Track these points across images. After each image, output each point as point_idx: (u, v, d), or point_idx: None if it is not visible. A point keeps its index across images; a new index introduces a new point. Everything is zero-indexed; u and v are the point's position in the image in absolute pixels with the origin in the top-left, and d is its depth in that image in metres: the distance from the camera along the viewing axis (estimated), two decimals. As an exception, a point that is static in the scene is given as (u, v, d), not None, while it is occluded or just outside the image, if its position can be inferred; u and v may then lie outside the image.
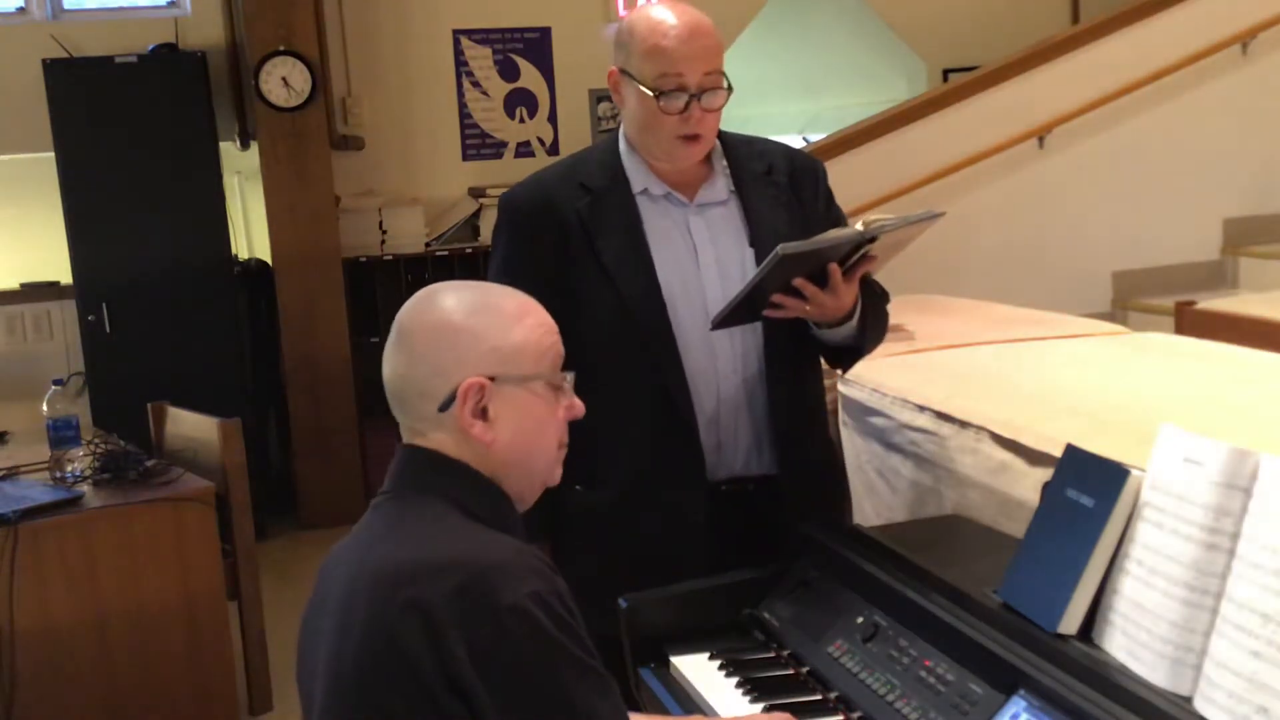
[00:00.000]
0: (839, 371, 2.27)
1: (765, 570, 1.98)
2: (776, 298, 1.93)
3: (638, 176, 2.08)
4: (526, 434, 1.43)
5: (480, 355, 1.39)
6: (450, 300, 1.43)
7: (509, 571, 1.28)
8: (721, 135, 2.11)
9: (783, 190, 2.12)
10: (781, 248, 1.83)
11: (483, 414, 1.39)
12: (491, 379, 1.39)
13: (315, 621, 1.41)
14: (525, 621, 1.25)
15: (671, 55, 1.96)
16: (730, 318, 1.97)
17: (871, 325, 2.06)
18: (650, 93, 1.98)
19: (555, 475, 1.49)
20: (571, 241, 2.05)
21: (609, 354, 2.02)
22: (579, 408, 1.49)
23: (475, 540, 1.34)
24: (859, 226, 1.92)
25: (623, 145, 2.11)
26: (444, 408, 1.39)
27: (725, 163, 2.12)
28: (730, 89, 2.02)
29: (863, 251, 1.92)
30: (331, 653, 1.33)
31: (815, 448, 2.20)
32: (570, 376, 1.47)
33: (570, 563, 2.15)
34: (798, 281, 1.91)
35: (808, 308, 1.94)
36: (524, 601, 1.26)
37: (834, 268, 1.91)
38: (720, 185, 2.11)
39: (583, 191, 2.07)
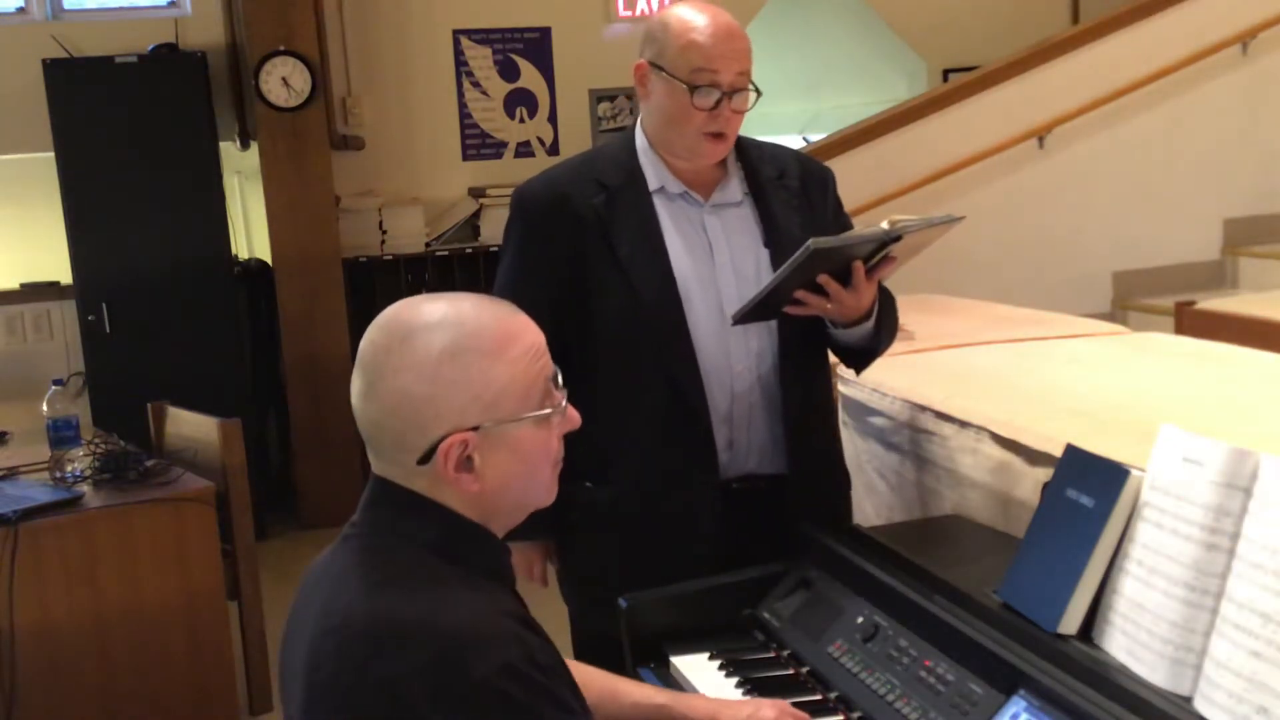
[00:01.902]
0: (852, 372, 2.28)
1: (765, 570, 1.98)
2: (799, 294, 1.94)
3: (654, 174, 2.09)
4: (518, 474, 1.32)
5: (461, 407, 1.26)
6: (421, 340, 1.27)
7: (479, 641, 1.19)
8: (735, 138, 2.11)
9: (795, 194, 2.13)
10: (813, 241, 1.84)
11: (468, 462, 1.28)
12: (475, 428, 1.27)
13: (292, 641, 1.35)
14: (498, 698, 1.18)
15: (708, 51, 1.98)
16: (752, 314, 1.97)
17: (886, 326, 2.07)
18: (684, 85, 1.99)
19: (550, 498, 1.39)
20: (586, 237, 2.06)
21: (622, 350, 2.03)
22: (575, 420, 1.37)
23: (446, 600, 1.24)
24: (884, 225, 1.93)
25: (640, 143, 2.12)
26: (423, 461, 1.27)
27: (739, 165, 2.13)
28: (759, 93, 2.03)
29: (885, 251, 1.93)
30: (304, 688, 1.27)
31: (826, 447, 2.21)
32: (564, 392, 1.35)
33: (577, 560, 2.16)
34: (822, 278, 1.92)
35: (829, 306, 1.95)
36: (495, 678, 1.18)
37: (858, 265, 1.92)
38: (735, 186, 2.11)
39: (598, 188, 2.07)
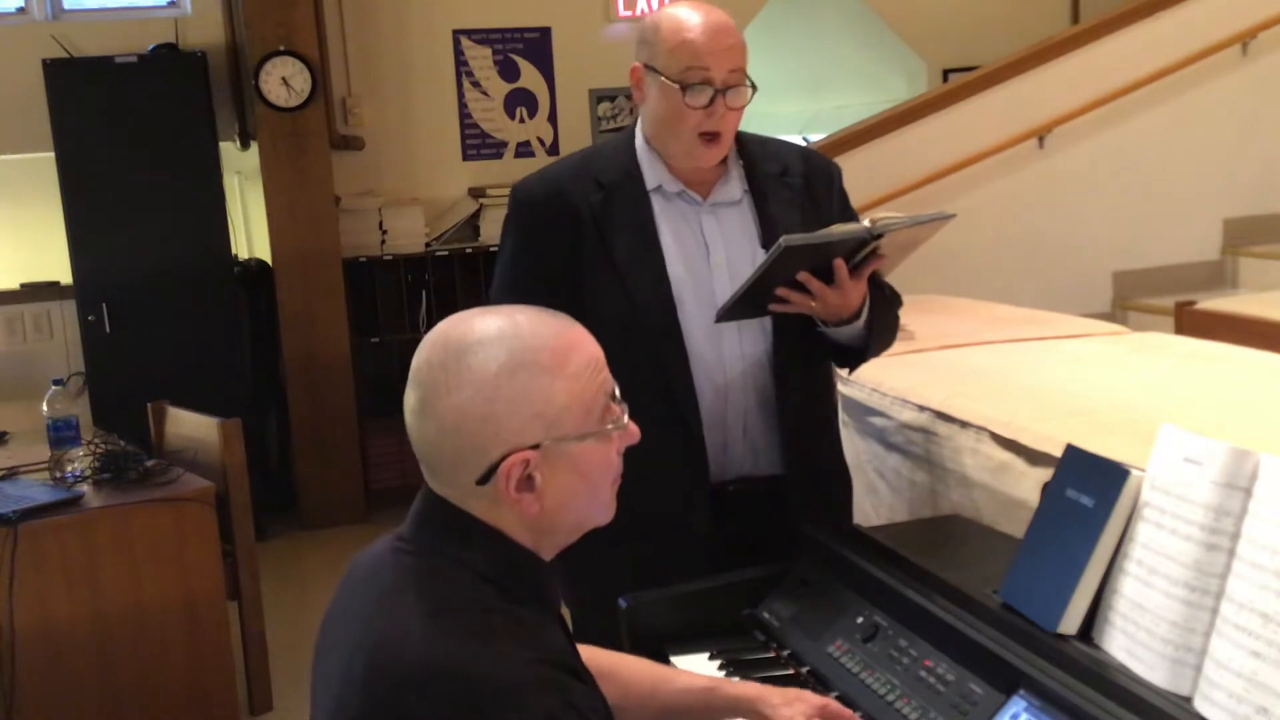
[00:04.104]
0: (845, 371, 2.27)
1: (765, 570, 1.98)
2: (781, 292, 1.93)
3: (652, 173, 2.08)
4: (579, 493, 1.28)
5: (522, 424, 1.22)
6: (478, 356, 1.22)
7: (516, 691, 1.15)
8: (736, 135, 2.10)
9: (797, 191, 2.12)
10: (785, 239, 1.83)
11: (528, 481, 1.24)
12: (536, 446, 1.23)
13: (329, 647, 1.32)
14: None
15: (699, 49, 1.97)
16: (734, 310, 1.96)
17: (880, 327, 2.05)
18: (676, 85, 1.98)
19: (609, 516, 1.34)
20: (582, 236, 2.05)
21: (615, 351, 2.02)
22: (634, 434, 1.33)
23: (489, 640, 1.19)
24: (866, 223, 1.92)
25: (639, 141, 2.11)
26: (483, 481, 1.23)
27: (740, 163, 2.12)
28: (754, 88, 2.02)
29: (870, 249, 1.91)
30: (334, 711, 1.25)
31: (825, 448, 2.20)
32: (624, 407, 1.32)
33: (576, 559, 2.15)
34: (802, 276, 1.90)
35: (813, 304, 1.94)
36: None
37: (839, 263, 1.90)
38: (734, 184, 2.10)
39: (596, 186, 2.07)
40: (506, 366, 1.22)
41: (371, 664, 1.19)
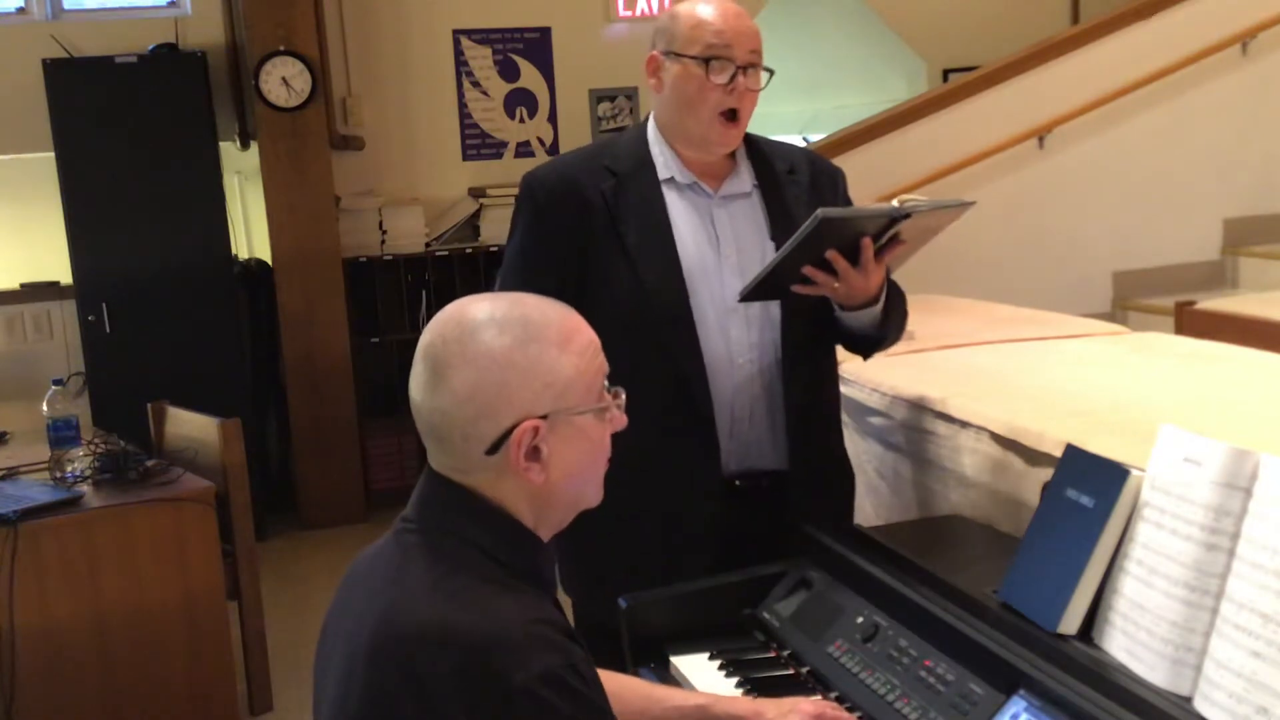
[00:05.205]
0: (852, 373, 2.28)
1: (765, 570, 1.98)
2: (807, 270, 1.94)
3: (665, 164, 2.11)
4: (580, 466, 1.34)
5: (532, 394, 1.29)
6: (490, 332, 1.29)
7: (520, 647, 1.19)
8: (745, 136, 2.13)
9: (804, 189, 2.15)
10: (821, 211, 1.85)
11: (534, 452, 1.29)
12: (544, 417, 1.29)
13: (330, 638, 1.36)
14: (537, 704, 1.17)
15: (719, 28, 2.03)
16: (758, 290, 1.98)
17: (893, 317, 2.08)
18: (698, 62, 2.02)
19: (599, 498, 1.41)
20: (594, 222, 2.07)
21: (627, 339, 2.02)
22: (622, 421, 1.39)
23: (494, 605, 1.24)
24: (894, 204, 1.94)
25: (651, 133, 2.14)
26: (492, 451, 1.29)
27: (749, 158, 2.15)
28: (771, 72, 2.06)
29: (894, 231, 1.93)
30: (338, 696, 1.28)
31: (828, 443, 2.21)
32: (621, 393, 1.38)
33: (579, 551, 2.16)
34: (830, 254, 1.92)
35: (836, 285, 1.95)
36: (534, 683, 1.17)
37: (867, 242, 1.92)
38: (745, 178, 2.14)
39: (608, 174, 2.10)
40: (519, 339, 1.29)
41: (378, 632, 1.24)
